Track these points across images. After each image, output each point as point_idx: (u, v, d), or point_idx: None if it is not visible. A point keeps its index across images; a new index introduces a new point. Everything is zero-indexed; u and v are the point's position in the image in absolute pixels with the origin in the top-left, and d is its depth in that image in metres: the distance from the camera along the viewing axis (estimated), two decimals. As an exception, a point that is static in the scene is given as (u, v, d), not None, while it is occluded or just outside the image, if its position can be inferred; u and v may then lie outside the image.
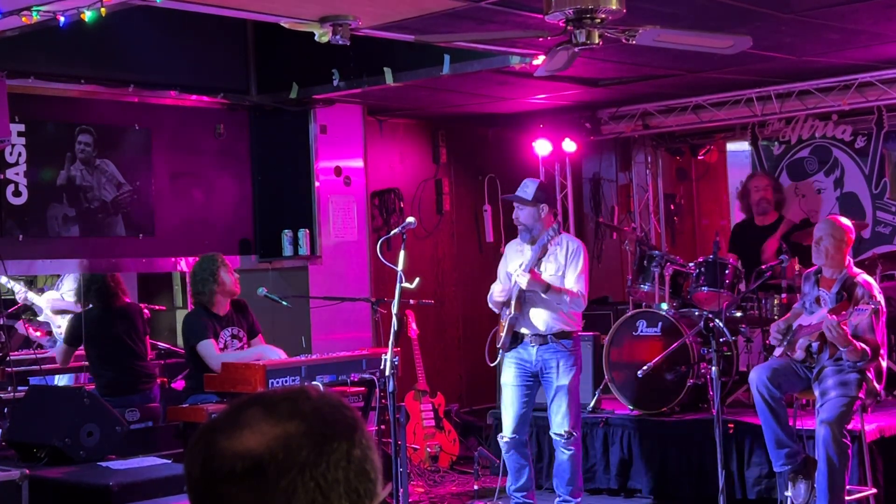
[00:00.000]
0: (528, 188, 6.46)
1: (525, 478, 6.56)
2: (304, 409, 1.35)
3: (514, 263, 6.51)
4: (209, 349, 6.64)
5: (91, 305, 7.54)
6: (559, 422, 6.43)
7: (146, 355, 7.61)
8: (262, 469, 1.30)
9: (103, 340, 7.39)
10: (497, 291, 6.55)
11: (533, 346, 6.43)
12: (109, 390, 7.19)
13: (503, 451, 6.59)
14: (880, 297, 6.00)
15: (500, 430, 6.63)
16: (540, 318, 6.42)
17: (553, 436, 6.50)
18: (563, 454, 6.47)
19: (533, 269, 6.31)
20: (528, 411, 6.55)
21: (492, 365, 6.73)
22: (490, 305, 6.66)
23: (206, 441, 1.34)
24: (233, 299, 6.93)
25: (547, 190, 6.73)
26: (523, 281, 6.28)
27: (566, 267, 6.39)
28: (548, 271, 6.38)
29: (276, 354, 6.64)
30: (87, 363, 7.70)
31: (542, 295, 6.32)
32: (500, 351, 6.57)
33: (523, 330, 6.46)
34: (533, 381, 6.51)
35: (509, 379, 6.53)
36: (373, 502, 1.35)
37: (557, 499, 6.56)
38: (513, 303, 6.40)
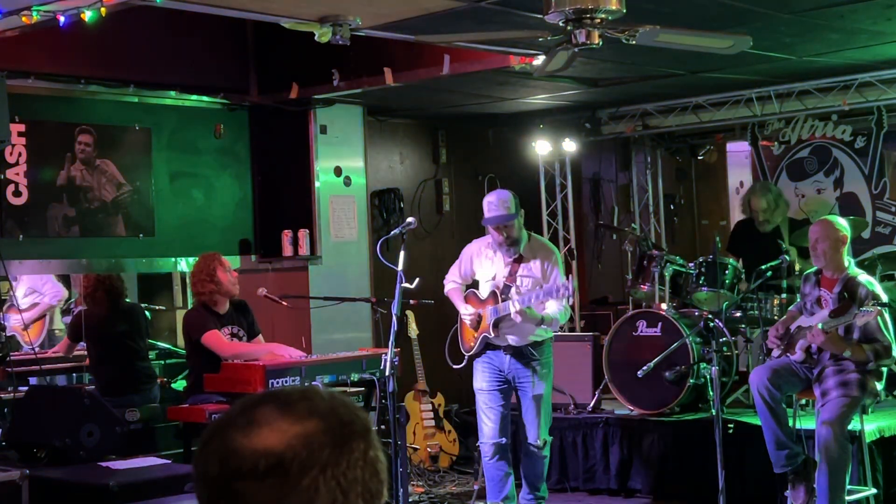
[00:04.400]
0: (507, 203, 6.19)
1: (509, 487, 6.39)
2: (320, 408, 1.35)
3: (486, 272, 6.37)
4: (217, 338, 6.63)
5: (94, 304, 7.51)
6: (535, 433, 6.31)
7: (147, 356, 7.62)
8: (284, 467, 1.30)
9: (106, 339, 7.38)
10: (461, 306, 6.46)
11: (506, 355, 6.32)
12: (110, 389, 7.18)
13: (485, 458, 6.41)
14: (884, 297, 6.00)
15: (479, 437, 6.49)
16: (516, 334, 6.30)
17: (528, 445, 6.38)
18: (537, 459, 6.38)
19: (523, 309, 6.08)
20: (508, 414, 6.40)
21: (456, 368, 6.60)
22: (446, 293, 6.58)
23: (222, 439, 1.33)
24: (233, 299, 6.93)
25: (517, 196, 6.40)
26: (518, 317, 6.09)
27: (546, 281, 6.24)
28: (523, 285, 6.23)
29: (287, 353, 6.64)
30: (84, 363, 7.71)
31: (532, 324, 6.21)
32: (466, 356, 6.46)
33: (497, 342, 6.34)
34: (507, 386, 6.37)
35: (483, 384, 6.40)
36: (381, 502, 1.36)
37: (530, 495, 6.44)
38: (490, 325, 6.24)
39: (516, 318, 6.11)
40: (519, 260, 6.27)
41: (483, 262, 6.42)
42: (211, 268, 6.80)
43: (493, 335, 6.26)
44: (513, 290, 6.21)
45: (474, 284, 6.59)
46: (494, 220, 6.21)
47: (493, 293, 6.30)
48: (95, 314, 7.44)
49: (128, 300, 7.79)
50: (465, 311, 6.42)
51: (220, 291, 6.79)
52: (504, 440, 6.35)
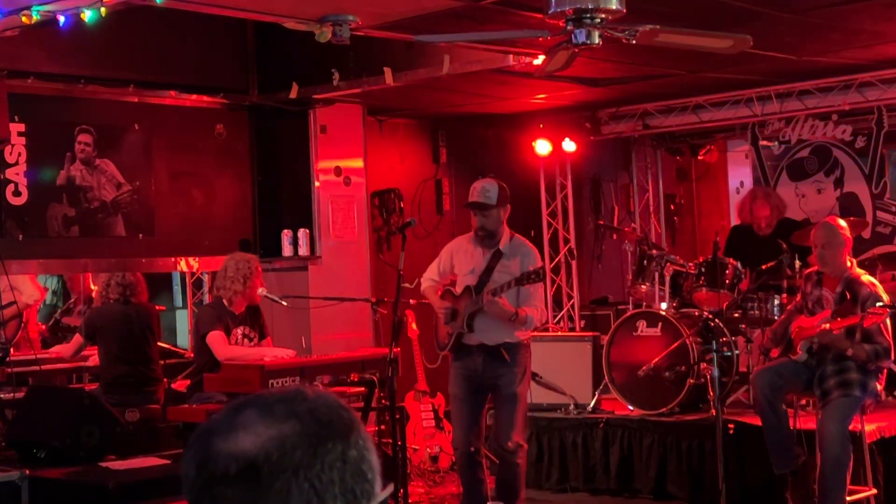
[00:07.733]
0: (489, 192, 6.07)
1: (480, 496, 6.12)
2: (299, 410, 1.34)
3: (465, 266, 6.20)
4: (219, 340, 6.61)
5: (112, 301, 7.41)
6: (505, 434, 6.01)
7: (157, 358, 7.53)
8: (255, 470, 1.29)
9: (119, 338, 7.28)
10: (435, 301, 6.27)
11: (479, 357, 6.10)
12: (114, 388, 7.14)
13: (458, 466, 6.28)
14: (885, 297, 6.00)
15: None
16: (490, 331, 6.08)
17: (499, 449, 6.09)
18: (509, 466, 6.06)
19: (502, 296, 5.91)
20: (479, 422, 6.18)
21: (431, 367, 6.42)
22: (422, 291, 6.42)
23: (202, 443, 1.34)
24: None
25: (506, 190, 6.22)
26: (493, 309, 5.92)
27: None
28: (500, 281, 6.01)
29: (284, 354, 6.62)
30: (84, 363, 7.67)
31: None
32: (440, 352, 6.32)
33: (470, 341, 6.13)
34: (481, 392, 6.16)
35: (458, 391, 6.18)
36: (370, 503, 1.35)
37: None
38: (464, 319, 6.08)
39: (488, 309, 5.95)
40: (497, 255, 6.10)
41: (463, 256, 6.24)
42: (249, 271, 6.75)
43: (466, 331, 6.08)
44: (487, 284, 6.02)
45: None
46: (469, 204, 6.12)
47: (467, 288, 6.12)
48: (109, 312, 7.36)
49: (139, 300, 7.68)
50: (440, 306, 6.23)
51: (246, 295, 6.75)
52: (474, 449, 6.11)
